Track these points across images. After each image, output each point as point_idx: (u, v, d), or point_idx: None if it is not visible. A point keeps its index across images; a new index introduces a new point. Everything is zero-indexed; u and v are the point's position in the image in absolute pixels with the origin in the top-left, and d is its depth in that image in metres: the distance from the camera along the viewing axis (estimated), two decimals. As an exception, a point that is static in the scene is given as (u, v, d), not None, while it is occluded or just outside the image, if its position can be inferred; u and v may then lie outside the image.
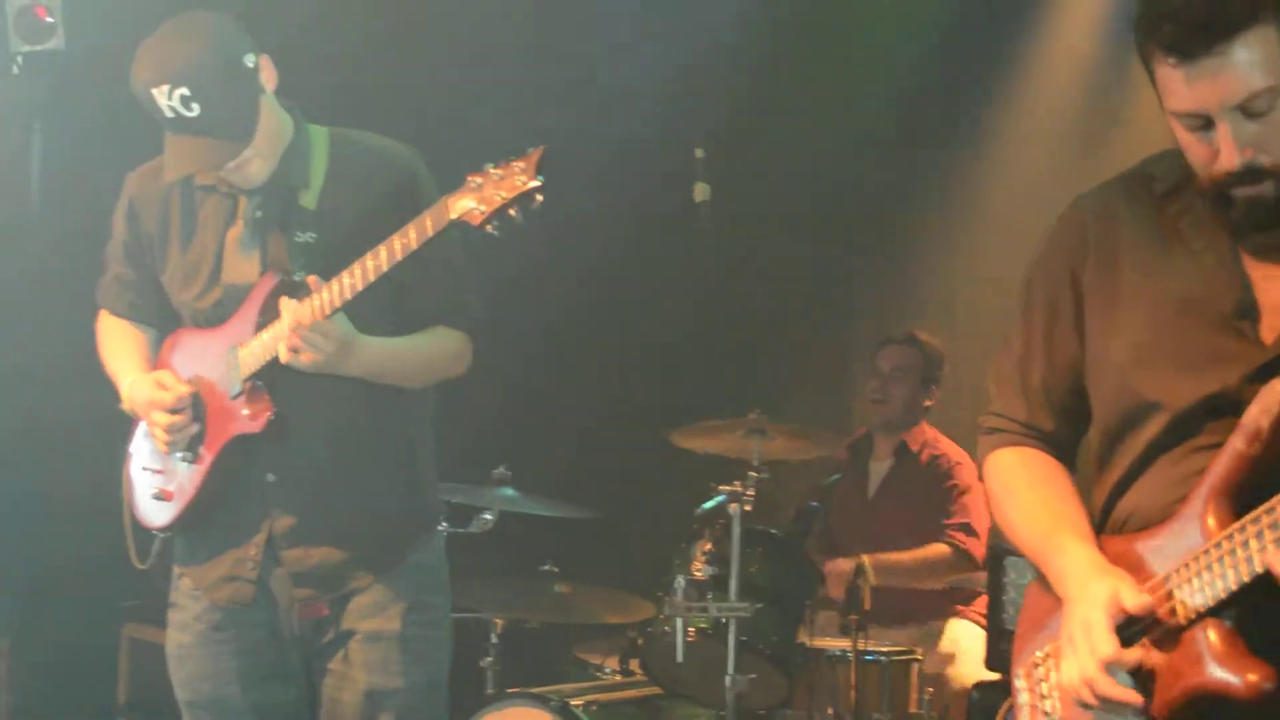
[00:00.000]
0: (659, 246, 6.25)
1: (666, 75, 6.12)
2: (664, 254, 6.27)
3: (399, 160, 3.21)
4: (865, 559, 5.00)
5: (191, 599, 3.26)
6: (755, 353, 6.55)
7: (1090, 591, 2.23)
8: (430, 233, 2.87)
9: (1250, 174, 2.14)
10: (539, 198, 2.81)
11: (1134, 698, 2.17)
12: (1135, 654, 2.18)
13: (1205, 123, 2.16)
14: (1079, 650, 2.22)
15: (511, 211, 2.82)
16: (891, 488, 5.57)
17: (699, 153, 4.72)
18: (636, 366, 6.47)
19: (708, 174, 4.68)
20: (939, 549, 5.28)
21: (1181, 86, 2.14)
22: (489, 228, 2.83)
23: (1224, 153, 2.15)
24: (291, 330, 2.95)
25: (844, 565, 5.03)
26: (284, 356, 3.00)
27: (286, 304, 2.99)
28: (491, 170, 2.83)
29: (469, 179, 2.85)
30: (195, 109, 2.98)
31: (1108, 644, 2.18)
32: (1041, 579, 2.43)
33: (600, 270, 6.34)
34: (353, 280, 2.94)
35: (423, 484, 3.33)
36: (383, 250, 2.91)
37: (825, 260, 6.57)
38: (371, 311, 3.07)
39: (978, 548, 5.25)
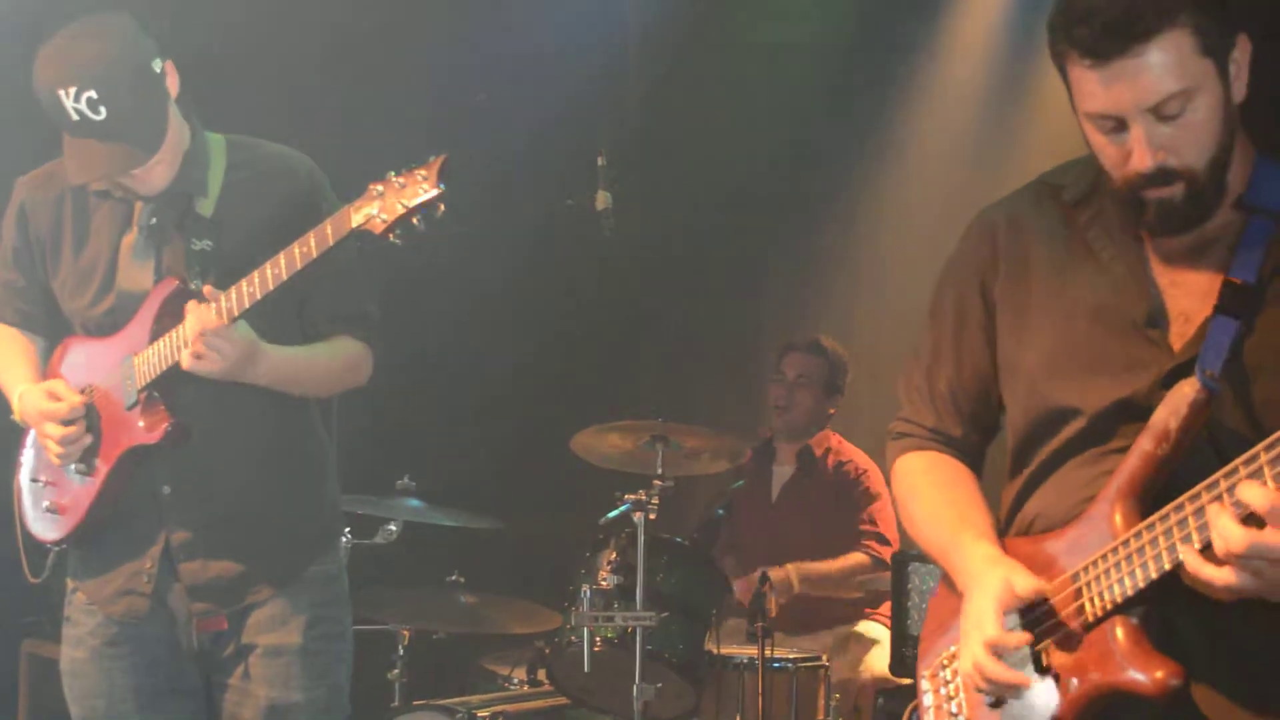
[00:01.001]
0: (562, 254, 6.23)
1: (568, 80, 6.10)
2: (567, 262, 6.25)
3: (297, 168, 3.17)
4: (792, 570, 5.01)
5: (86, 614, 3.18)
6: (660, 360, 6.57)
7: (984, 581, 2.25)
8: (331, 241, 2.82)
9: (1162, 176, 2.15)
10: (441, 206, 2.77)
11: (1020, 679, 2.18)
12: (1018, 636, 2.20)
13: (1118, 124, 2.16)
14: (970, 636, 2.24)
15: (414, 220, 2.78)
16: (794, 493, 5.58)
17: (600, 160, 4.71)
18: (541, 375, 6.46)
19: (609, 182, 4.67)
20: (857, 558, 5.31)
21: (1096, 87, 2.14)
22: (391, 236, 2.79)
23: (1136, 154, 2.16)
24: (196, 336, 2.89)
25: (778, 573, 5.04)
26: (186, 363, 2.93)
27: (193, 308, 2.92)
28: (394, 178, 2.79)
29: (371, 187, 2.81)
30: (103, 112, 2.91)
31: (992, 626, 2.20)
32: (948, 582, 2.44)
33: (503, 278, 6.30)
34: (252, 288, 2.89)
35: (323, 495, 3.28)
36: (282, 258, 2.86)
37: (730, 268, 6.59)
38: (276, 321, 3.03)
39: (889, 554, 5.25)
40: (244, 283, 2.90)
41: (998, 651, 2.20)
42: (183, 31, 3.25)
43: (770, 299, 6.64)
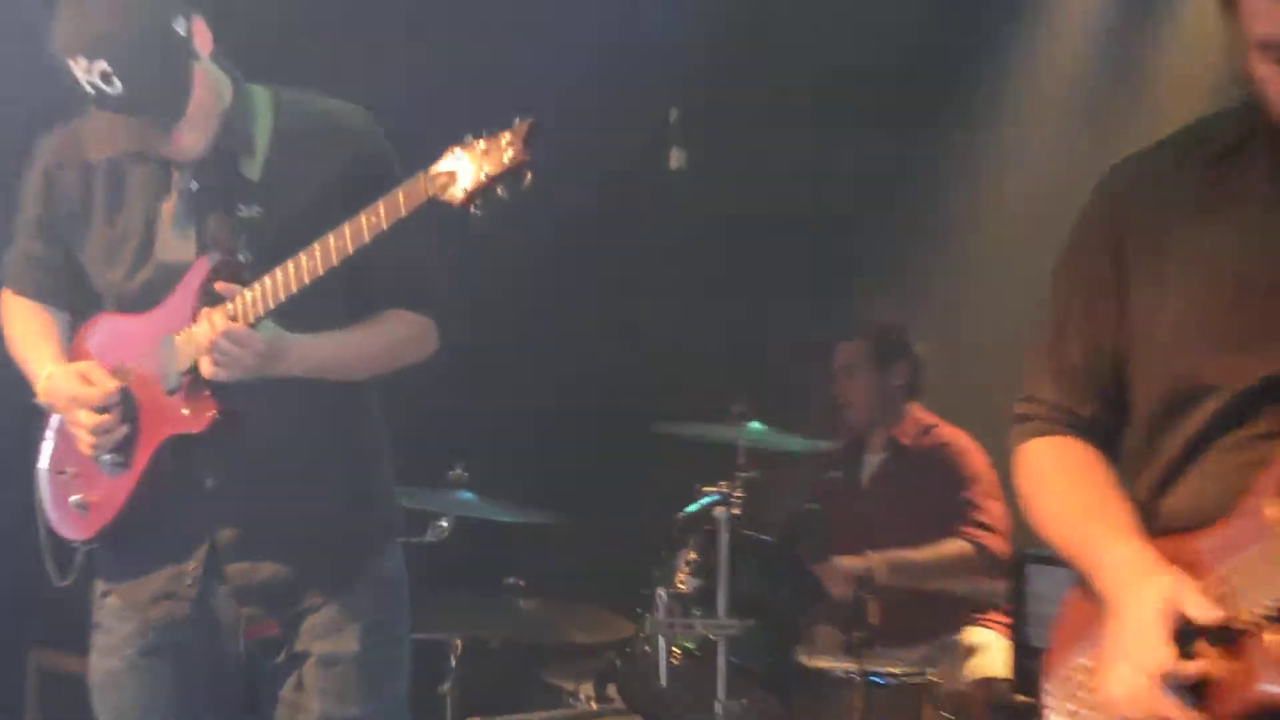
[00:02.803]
0: (632, 219, 6.24)
1: (638, 27, 6.12)
2: (638, 227, 6.27)
3: (357, 126, 3.20)
4: (874, 557, 5.00)
5: (120, 620, 3.24)
6: (742, 339, 6.56)
7: (1142, 593, 2.21)
8: (404, 211, 2.86)
9: None
10: (528, 175, 2.80)
11: (1192, 718, 2.14)
12: (1197, 666, 2.15)
13: None
14: (1129, 661, 2.20)
15: (499, 190, 2.81)
16: (885, 479, 5.61)
17: (674, 115, 4.72)
18: (610, 353, 6.47)
19: (684, 139, 4.68)
20: (958, 545, 5.28)
21: (1268, 5, 2.11)
22: (473, 207, 2.82)
23: None
24: (209, 343, 2.96)
25: (848, 564, 5.03)
26: (207, 370, 3.00)
27: (205, 314, 2.99)
28: (476, 143, 2.82)
29: (449, 152, 2.84)
30: (118, 85, 2.93)
31: (1164, 654, 2.15)
32: (1083, 585, 2.41)
33: (568, 244, 6.32)
34: (287, 278, 2.94)
35: (380, 488, 3.33)
36: (346, 230, 2.90)
37: (821, 238, 6.58)
38: (319, 299, 3.05)
39: (999, 543, 5.26)
40: (278, 272, 2.95)
41: (1169, 682, 2.15)
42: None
43: (867, 273, 6.61)
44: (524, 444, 6.22)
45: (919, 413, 5.67)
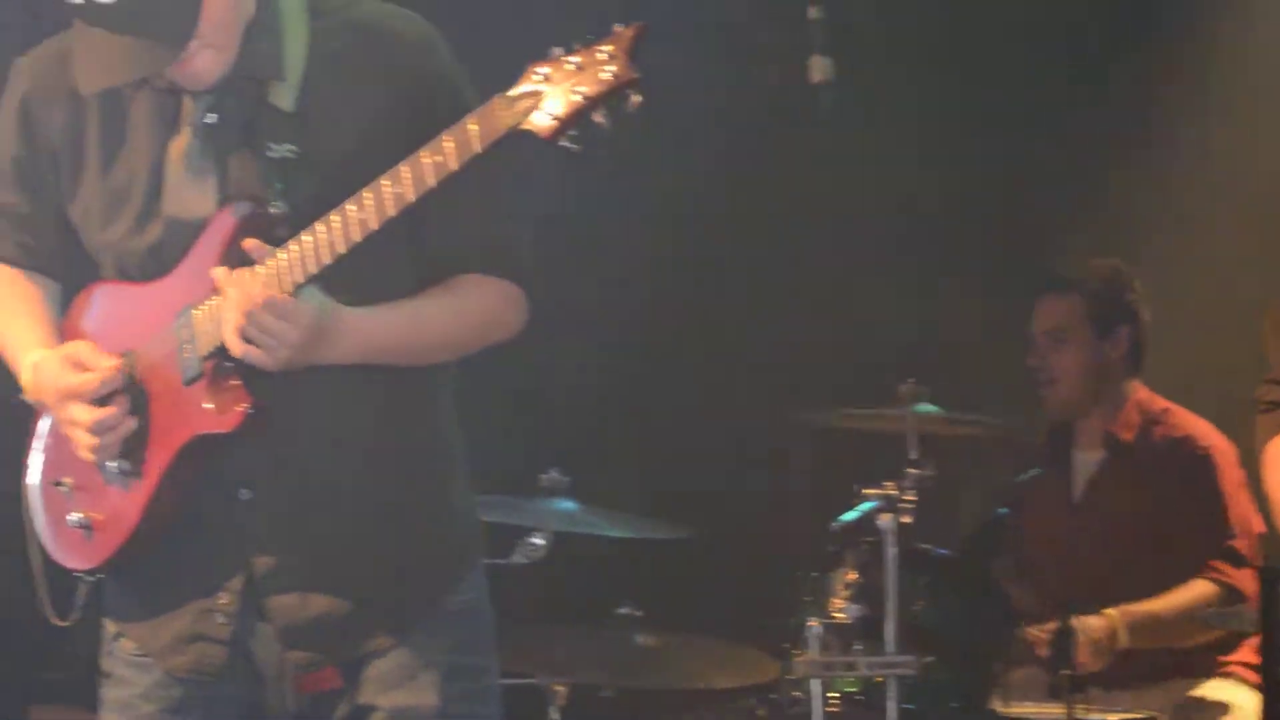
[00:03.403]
0: (765, 154, 6.19)
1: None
2: (772, 165, 6.21)
3: (414, 37, 3.16)
4: (1114, 615, 4.94)
5: (136, 669, 3.21)
6: (908, 305, 6.49)
7: None
8: (478, 147, 2.80)
9: None
10: (634, 97, 2.74)
11: None
12: None
13: None
14: None
15: (597, 117, 2.75)
16: (1107, 488, 5.48)
17: (813, 12, 4.62)
18: (739, 327, 6.45)
19: (829, 43, 4.59)
20: (1201, 589, 5.16)
21: None
22: (564, 139, 2.76)
23: None
24: (240, 316, 2.91)
25: (1091, 628, 4.92)
26: (236, 349, 2.95)
27: (231, 278, 2.94)
28: (566, 59, 2.77)
29: (532, 70, 2.78)
30: None
31: None
32: None
33: (682, 189, 6.29)
34: (363, 215, 2.88)
35: (457, 500, 3.30)
36: (405, 172, 2.85)
37: (1002, 177, 6.53)
38: (376, 262, 3.02)
39: (1251, 583, 5.09)
40: (321, 226, 2.90)
41: None
42: None
43: (1059, 225, 6.52)
44: (636, 443, 6.22)
45: (1142, 394, 5.53)
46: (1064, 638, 4.59)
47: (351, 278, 2.99)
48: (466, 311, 3.19)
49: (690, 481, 6.02)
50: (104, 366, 3.14)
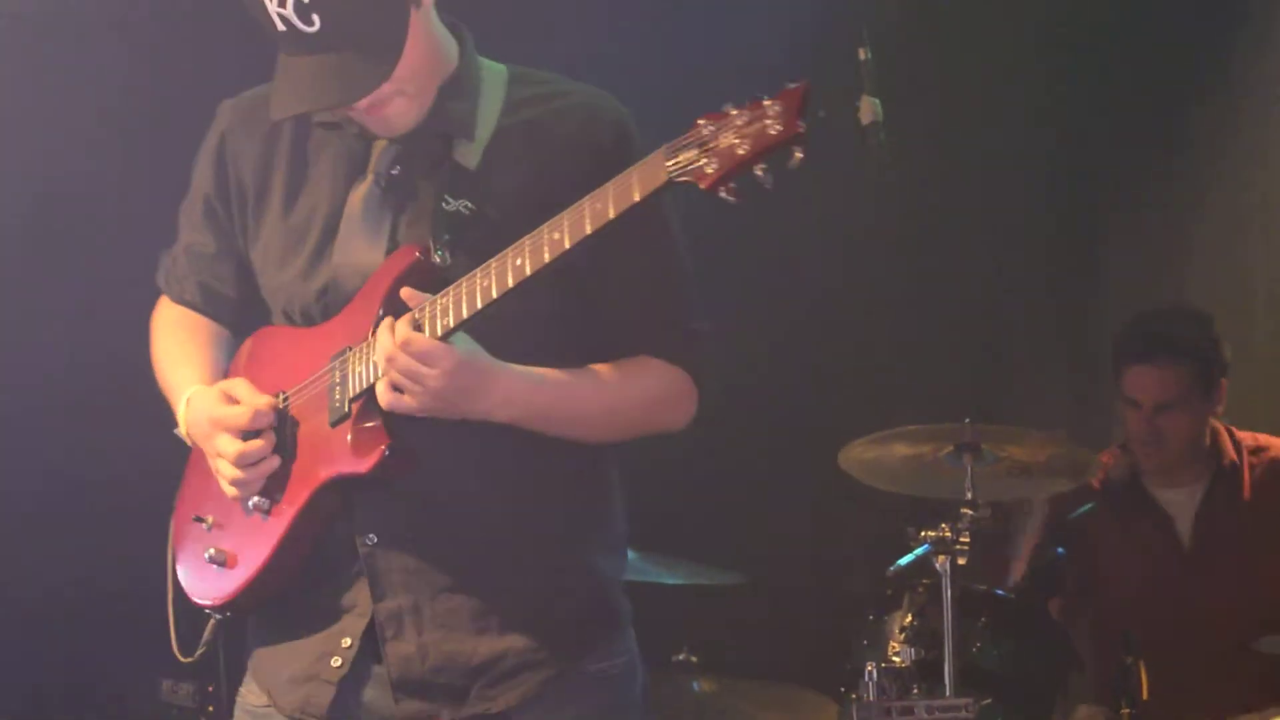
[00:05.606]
0: (815, 191, 6.17)
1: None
2: (822, 202, 6.19)
3: (604, 114, 3.16)
4: None
5: (254, 718, 3.23)
6: (962, 341, 6.49)
7: None
8: (637, 197, 2.78)
9: None
10: (798, 154, 2.71)
11: None
12: None
13: None
14: None
15: (759, 170, 2.73)
16: (1217, 517, 5.41)
17: (863, 54, 4.62)
18: (793, 366, 6.44)
19: (877, 85, 4.58)
20: None
21: None
22: (723, 191, 2.73)
23: None
24: (385, 357, 2.91)
25: None
26: (384, 396, 2.95)
27: (388, 325, 2.94)
28: (733, 113, 2.75)
29: (699, 124, 2.77)
30: (316, 22, 2.96)
31: None
32: None
33: (732, 227, 6.26)
34: (519, 260, 2.85)
35: (609, 555, 3.27)
36: (565, 219, 2.83)
37: (1060, 214, 6.52)
38: (536, 321, 3.04)
39: None
40: (477, 274, 2.89)
41: None
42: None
43: (1118, 260, 6.51)
44: (691, 487, 6.18)
45: (1218, 423, 5.49)
46: (1126, 673, 4.55)
47: (505, 333, 2.99)
48: (634, 391, 3.18)
49: (745, 526, 6.01)
50: (256, 401, 3.14)
